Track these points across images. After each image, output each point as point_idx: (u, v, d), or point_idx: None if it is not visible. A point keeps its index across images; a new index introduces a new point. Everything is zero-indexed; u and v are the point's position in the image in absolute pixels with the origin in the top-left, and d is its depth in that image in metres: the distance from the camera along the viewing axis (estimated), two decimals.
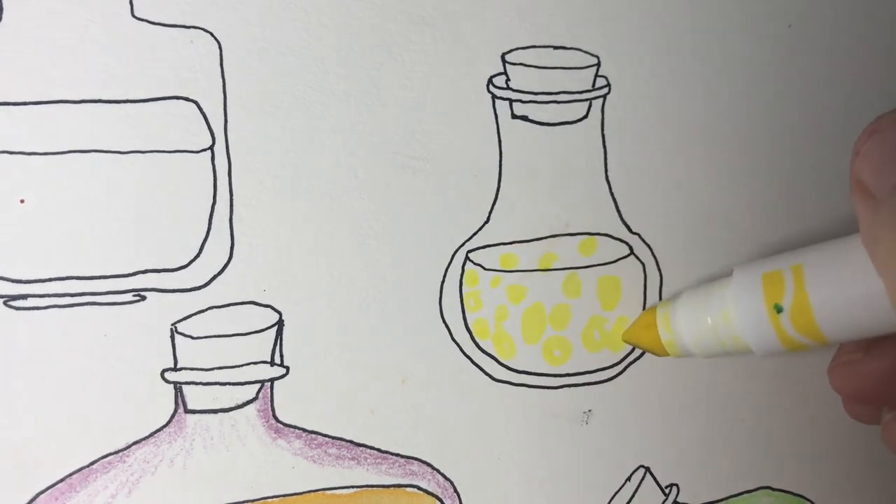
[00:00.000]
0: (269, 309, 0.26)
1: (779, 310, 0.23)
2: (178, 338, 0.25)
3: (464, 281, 0.27)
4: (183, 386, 0.26)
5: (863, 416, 0.27)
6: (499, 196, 0.27)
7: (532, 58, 0.27)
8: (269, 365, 0.26)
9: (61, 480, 0.25)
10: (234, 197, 0.26)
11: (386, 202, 0.27)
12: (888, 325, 0.22)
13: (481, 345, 0.28)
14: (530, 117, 0.28)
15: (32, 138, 0.25)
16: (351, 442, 0.27)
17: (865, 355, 0.25)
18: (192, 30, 0.26)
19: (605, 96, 0.28)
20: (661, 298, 0.28)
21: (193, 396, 0.26)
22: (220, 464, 0.26)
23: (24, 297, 0.25)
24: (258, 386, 0.26)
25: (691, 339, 0.26)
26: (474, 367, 0.27)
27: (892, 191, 0.20)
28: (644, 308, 0.28)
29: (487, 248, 0.27)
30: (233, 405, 0.26)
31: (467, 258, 0.27)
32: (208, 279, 0.26)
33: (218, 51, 0.26)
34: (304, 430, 0.26)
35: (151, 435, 0.25)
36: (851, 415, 0.27)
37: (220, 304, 0.26)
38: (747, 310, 0.24)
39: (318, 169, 0.26)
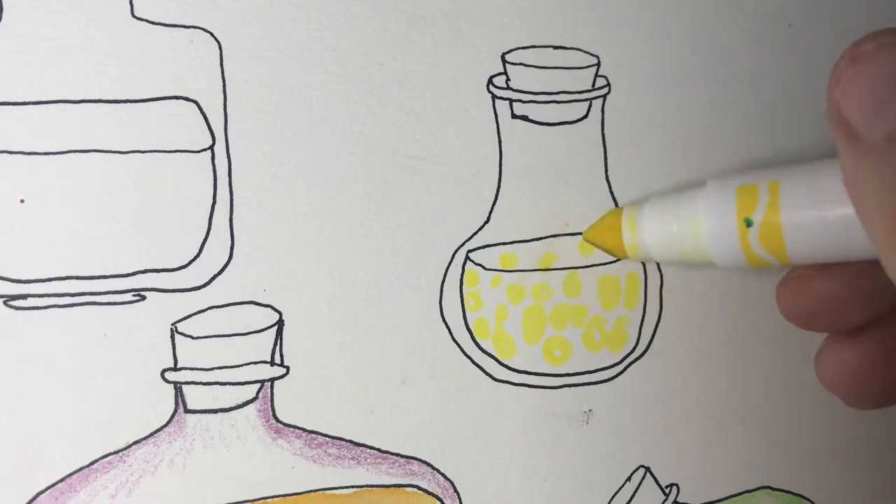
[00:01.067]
0: (269, 309, 0.26)
1: (748, 224, 0.23)
2: (178, 338, 0.25)
3: (464, 281, 0.27)
4: (183, 386, 0.26)
5: (859, 401, 0.26)
6: (499, 196, 0.27)
7: (532, 58, 0.27)
8: (269, 365, 0.26)
9: (61, 480, 0.25)
10: (234, 197, 0.26)
11: (386, 202, 0.27)
12: (854, 254, 0.22)
13: (481, 345, 0.28)
14: (530, 117, 0.28)
15: (32, 138, 0.25)
16: (351, 442, 0.27)
17: (817, 274, 0.24)
18: (192, 30, 0.26)
19: (605, 96, 0.28)
20: (661, 299, 0.28)
21: (193, 396, 0.26)
22: (220, 464, 0.26)
23: (24, 297, 0.25)
24: (258, 386, 0.26)
25: (655, 245, 0.25)
26: (474, 366, 0.27)
27: (884, 138, 0.19)
28: (644, 309, 0.28)
29: (488, 248, 0.27)
30: (233, 405, 0.26)
31: (467, 258, 0.27)
32: (208, 279, 0.26)
33: (218, 51, 0.26)
34: (304, 430, 0.26)
35: (151, 435, 0.25)
36: (848, 402, 0.27)
37: (220, 304, 0.26)
38: (716, 220, 0.24)
39: (318, 169, 0.26)
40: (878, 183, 0.18)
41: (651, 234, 0.25)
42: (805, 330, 0.26)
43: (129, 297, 0.25)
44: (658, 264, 0.28)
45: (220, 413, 0.26)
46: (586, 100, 0.28)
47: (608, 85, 0.28)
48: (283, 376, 0.26)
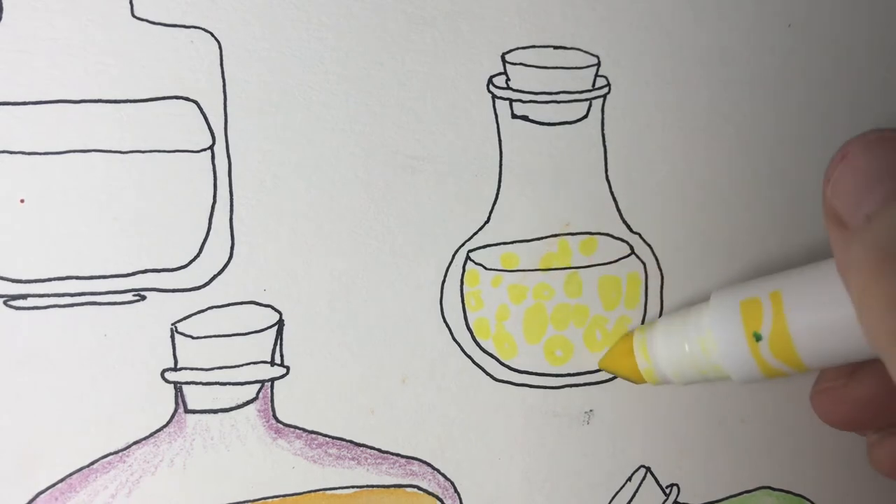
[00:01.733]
0: (269, 309, 0.26)
1: (758, 338, 0.23)
2: (178, 338, 0.25)
3: (465, 280, 0.27)
4: (183, 386, 0.26)
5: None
6: (499, 196, 0.27)
7: (532, 58, 0.27)
8: (269, 365, 0.26)
9: (61, 480, 0.25)
10: (234, 197, 0.26)
11: (386, 202, 0.27)
12: (867, 352, 0.22)
13: (482, 344, 0.28)
14: (530, 117, 0.28)
15: (32, 138, 0.25)
16: (351, 442, 0.27)
17: (847, 382, 0.25)
18: (192, 30, 0.26)
19: (605, 96, 0.28)
20: (662, 299, 0.28)
21: (193, 396, 0.26)
22: (220, 464, 0.26)
23: (24, 296, 0.25)
24: (258, 386, 0.26)
25: (669, 367, 0.26)
26: (475, 366, 0.27)
27: (864, 222, 0.20)
28: (644, 308, 0.28)
29: (488, 248, 0.27)
30: (233, 405, 0.26)
31: (468, 258, 0.27)
32: (208, 279, 0.26)
33: (218, 51, 0.26)
34: (304, 430, 0.26)
35: (151, 435, 0.25)
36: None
37: (220, 304, 0.26)
38: (726, 339, 0.24)
39: (318, 169, 0.26)
40: (862, 259, 0.19)
41: (664, 356, 0.26)
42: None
43: (129, 297, 0.25)
44: (658, 263, 0.28)
45: (220, 413, 0.26)
46: (586, 100, 0.28)
47: (608, 85, 0.28)
48: (283, 376, 0.26)
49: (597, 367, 0.28)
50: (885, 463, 0.26)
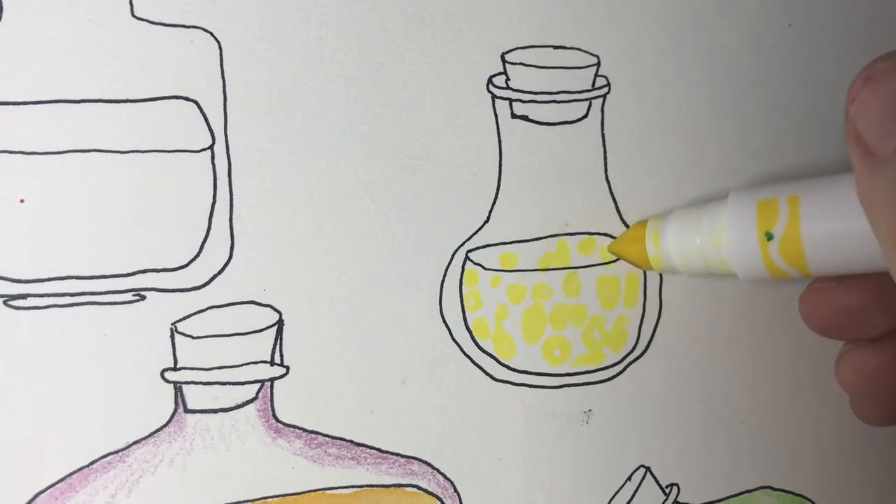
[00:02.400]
0: (269, 309, 0.26)
1: (769, 237, 0.24)
2: (177, 337, 0.25)
3: (464, 281, 0.27)
4: (183, 386, 0.26)
5: (870, 415, 0.27)
6: (499, 196, 0.27)
7: (532, 57, 0.27)
8: (269, 365, 0.26)
9: (61, 480, 0.25)
10: (234, 197, 0.26)
11: (386, 202, 0.27)
12: (872, 266, 0.22)
13: (481, 344, 0.28)
14: (530, 117, 0.28)
15: (32, 138, 0.25)
16: (351, 442, 0.27)
17: (838, 285, 0.25)
18: (192, 30, 0.26)
19: (605, 96, 0.28)
20: (661, 299, 0.28)
21: (193, 396, 0.26)
22: (220, 464, 0.26)
23: (24, 296, 0.25)
24: (258, 386, 0.26)
25: (678, 257, 0.26)
26: (474, 366, 0.27)
27: (894, 154, 0.20)
28: (643, 308, 0.28)
29: (487, 248, 0.27)
30: (233, 405, 0.26)
31: (467, 258, 0.27)
32: (208, 279, 0.26)
33: (218, 51, 0.26)
34: (304, 429, 0.26)
35: (151, 435, 0.25)
36: (860, 415, 0.27)
37: (220, 303, 0.26)
38: (738, 234, 0.24)
39: (318, 169, 0.26)
40: (888, 194, 0.19)
41: (675, 246, 0.26)
42: (826, 338, 0.27)
43: (129, 297, 0.25)
44: None
45: (220, 413, 0.26)
46: (586, 99, 0.28)
47: (608, 85, 0.28)
48: (283, 376, 0.26)
49: (595, 367, 0.28)
50: (849, 375, 0.26)
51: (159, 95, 0.25)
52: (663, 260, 0.26)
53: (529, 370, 0.28)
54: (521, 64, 0.27)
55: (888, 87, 0.20)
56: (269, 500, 0.26)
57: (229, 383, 0.26)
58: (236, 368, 0.26)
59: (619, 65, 0.28)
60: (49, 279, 0.25)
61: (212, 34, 0.26)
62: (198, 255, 0.26)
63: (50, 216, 0.25)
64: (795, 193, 0.23)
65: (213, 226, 0.26)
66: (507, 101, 0.27)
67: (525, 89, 0.27)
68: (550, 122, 0.28)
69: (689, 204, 0.27)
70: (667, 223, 0.26)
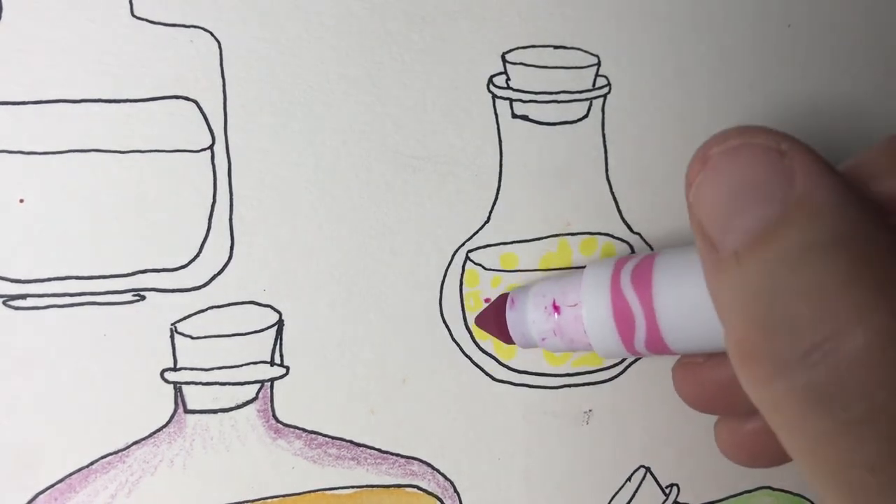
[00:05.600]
0: (269, 309, 0.26)
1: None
2: (177, 338, 0.25)
3: (464, 281, 0.27)
4: (183, 386, 0.26)
5: (756, 465, 0.26)
6: (499, 195, 0.27)
7: (532, 57, 0.27)
8: (269, 365, 0.26)
9: (61, 480, 0.25)
10: (234, 197, 0.26)
11: (386, 202, 0.27)
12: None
13: (482, 345, 0.28)
14: (531, 117, 0.28)
15: (32, 138, 0.25)
16: (351, 442, 0.27)
17: (706, 361, 0.24)
18: (192, 29, 0.26)
19: (605, 96, 0.28)
20: None
21: (193, 396, 0.26)
22: (220, 464, 0.26)
23: (24, 297, 0.25)
24: (258, 386, 0.26)
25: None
26: (474, 367, 0.27)
27: (732, 256, 0.18)
28: None
29: (488, 248, 0.27)
30: (233, 405, 0.26)
31: (468, 258, 0.27)
32: (208, 279, 0.26)
33: (218, 51, 0.26)
34: (304, 430, 0.26)
35: (151, 435, 0.25)
36: (745, 465, 0.26)
37: (220, 304, 0.26)
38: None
39: (318, 169, 0.26)
40: (730, 296, 0.18)
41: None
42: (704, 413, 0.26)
43: (129, 297, 0.25)
44: None
45: (219, 413, 0.26)
46: (587, 99, 0.28)
47: (608, 85, 0.28)
48: (283, 376, 0.26)
49: (595, 368, 0.28)
50: (726, 443, 0.25)
51: (159, 95, 0.25)
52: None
53: (529, 370, 0.28)
54: (521, 64, 0.27)
55: (722, 175, 0.19)
56: (269, 500, 0.26)
57: (229, 383, 0.26)
58: (236, 369, 0.26)
59: (619, 65, 0.28)
60: (49, 279, 0.25)
61: (212, 34, 0.26)
62: (198, 255, 0.26)
63: (50, 216, 0.25)
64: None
65: (213, 226, 0.26)
66: (507, 101, 0.27)
67: (525, 89, 0.27)
68: (551, 122, 0.28)
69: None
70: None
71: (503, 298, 0.26)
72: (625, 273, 0.23)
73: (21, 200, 0.25)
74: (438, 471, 0.27)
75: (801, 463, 0.18)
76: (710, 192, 0.19)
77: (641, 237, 0.28)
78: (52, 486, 0.25)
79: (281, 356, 0.26)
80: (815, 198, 0.18)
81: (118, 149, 0.25)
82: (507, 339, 0.26)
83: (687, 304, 0.22)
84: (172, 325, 0.26)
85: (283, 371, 0.26)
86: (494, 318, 0.26)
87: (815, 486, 0.18)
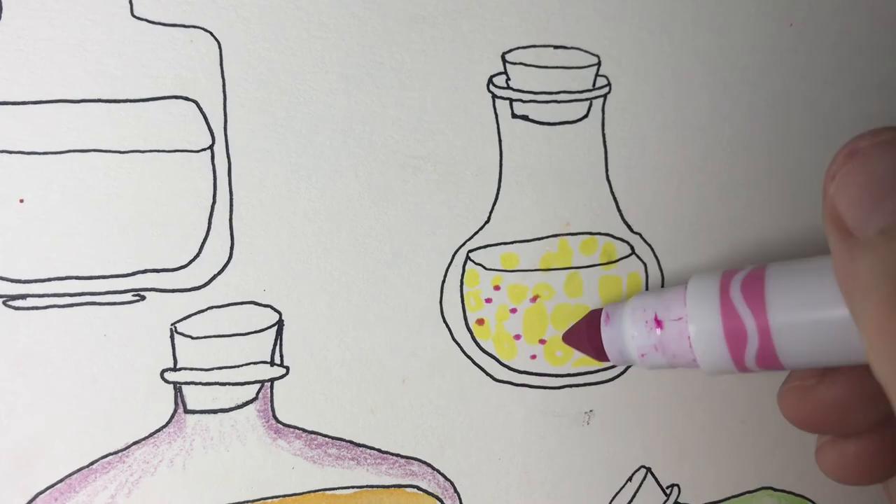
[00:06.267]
0: (269, 309, 0.26)
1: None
2: (177, 338, 0.25)
3: (464, 281, 0.27)
4: (183, 386, 0.26)
5: (859, 483, 0.26)
6: (499, 195, 0.27)
7: (532, 57, 0.27)
8: (269, 365, 0.26)
9: (61, 481, 0.25)
10: (234, 197, 0.26)
11: (386, 202, 0.27)
12: (850, 358, 0.21)
13: (482, 345, 0.27)
14: (531, 117, 0.27)
15: (32, 138, 0.25)
16: (351, 442, 0.27)
17: (819, 382, 0.24)
18: (191, 29, 0.26)
19: (605, 96, 0.28)
20: None
21: (193, 396, 0.26)
22: (219, 464, 0.26)
23: (24, 297, 0.25)
24: (258, 386, 0.26)
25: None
26: (475, 367, 0.27)
27: (878, 234, 0.18)
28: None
29: (488, 248, 0.27)
30: (233, 405, 0.26)
31: (468, 258, 0.27)
32: (208, 279, 0.26)
33: (218, 51, 0.26)
34: (304, 430, 0.26)
35: (151, 435, 0.25)
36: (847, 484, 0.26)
37: (220, 304, 0.26)
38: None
39: (318, 169, 0.26)
40: (870, 278, 0.18)
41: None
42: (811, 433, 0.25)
43: (129, 297, 0.25)
44: (659, 263, 0.28)
45: (219, 413, 0.26)
46: (587, 99, 0.28)
47: (609, 85, 0.28)
48: (283, 376, 0.26)
49: (596, 368, 0.28)
50: (831, 465, 0.25)
51: (159, 95, 0.25)
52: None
53: (530, 371, 0.28)
54: (521, 64, 0.27)
55: (872, 164, 0.19)
56: (269, 500, 0.26)
57: (229, 384, 0.26)
58: (236, 369, 0.26)
59: (619, 65, 0.28)
60: (49, 279, 0.25)
61: (212, 34, 0.26)
62: (198, 255, 0.26)
63: (50, 216, 0.25)
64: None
65: (213, 226, 0.26)
66: (507, 101, 0.27)
67: (525, 89, 0.27)
68: (551, 122, 0.28)
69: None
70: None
71: (597, 314, 0.26)
72: (734, 285, 0.22)
73: (21, 200, 0.25)
74: (438, 471, 0.27)
75: None
76: (856, 179, 0.19)
77: (641, 237, 0.28)
78: (52, 486, 0.25)
79: (281, 356, 0.26)
80: None
81: (118, 149, 0.25)
82: (601, 357, 0.25)
83: (804, 317, 0.21)
84: (172, 325, 0.26)
85: (283, 371, 0.26)
86: (587, 335, 0.26)
87: None
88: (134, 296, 0.25)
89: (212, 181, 0.26)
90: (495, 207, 0.27)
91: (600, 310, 0.26)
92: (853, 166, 0.19)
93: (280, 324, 0.26)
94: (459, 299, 0.27)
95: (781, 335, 0.21)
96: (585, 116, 0.28)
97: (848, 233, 0.19)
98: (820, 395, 0.24)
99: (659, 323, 0.24)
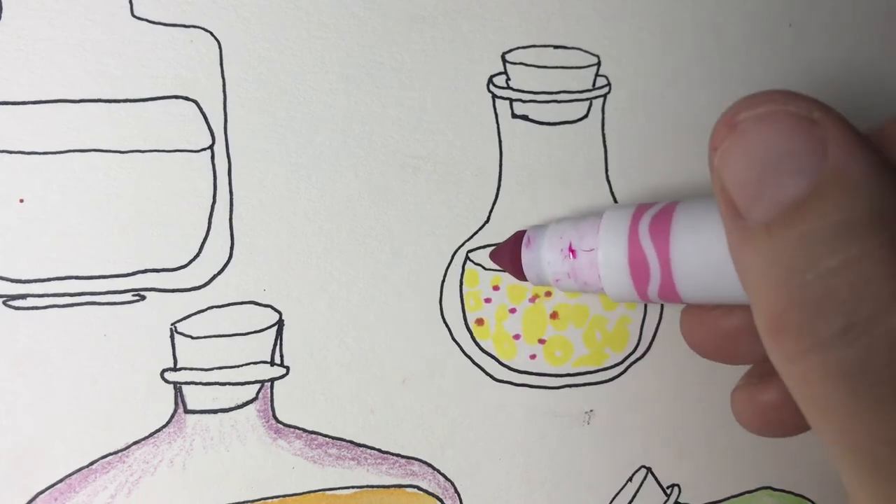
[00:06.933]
0: (269, 309, 0.26)
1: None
2: (177, 338, 0.25)
3: (464, 281, 0.27)
4: (183, 386, 0.26)
5: (769, 434, 0.25)
6: (499, 195, 0.27)
7: (532, 57, 0.27)
8: (269, 365, 0.26)
9: (61, 480, 0.25)
10: (234, 197, 0.26)
11: (386, 202, 0.27)
12: (745, 298, 0.21)
13: (482, 345, 0.27)
14: (531, 117, 0.28)
15: (32, 138, 0.25)
16: (351, 442, 0.27)
17: (714, 308, 0.25)
18: (191, 29, 0.26)
19: (605, 96, 0.28)
20: None
21: (193, 396, 0.26)
22: (220, 464, 0.26)
23: (24, 296, 0.25)
24: (258, 386, 0.26)
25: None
26: (475, 367, 0.27)
27: (762, 226, 0.18)
28: (644, 308, 0.28)
29: (488, 248, 0.27)
30: (233, 405, 0.26)
31: (468, 258, 0.27)
32: (208, 279, 0.26)
33: (218, 51, 0.26)
34: (304, 430, 0.26)
35: (151, 435, 0.25)
36: (758, 434, 0.26)
37: (220, 303, 0.26)
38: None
39: (318, 169, 0.26)
40: (761, 268, 0.18)
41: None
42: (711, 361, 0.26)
43: (129, 297, 0.25)
44: None
45: (219, 413, 0.26)
46: (587, 99, 0.28)
47: (608, 84, 0.28)
48: (283, 376, 0.26)
49: (596, 368, 0.28)
50: (742, 410, 0.25)
51: (159, 95, 0.25)
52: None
53: (530, 370, 0.28)
54: (521, 64, 0.27)
55: (752, 143, 0.18)
56: (269, 500, 0.26)
57: (229, 384, 0.26)
58: (236, 369, 0.26)
59: (619, 65, 0.28)
60: (49, 279, 0.25)
61: (212, 34, 0.26)
62: (198, 255, 0.26)
63: (50, 216, 0.25)
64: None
65: (213, 226, 0.26)
66: (507, 101, 0.27)
67: (525, 89, 0.27)
68: (551, 121, 0.28)
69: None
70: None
71: (520, 235, 0.26)
72: (643, 223, 0.23)
73: (21, 200, 0.25)
74: (439, 471, 0.27)
75: (824, 436, 0.18)
76: (737, 159, 0.19)
77: None
78: (52, 486, 0.25)
79: (281, 356, 0.26)
80: (850, 171, 0.17)
81: (118, 149, 0.25)
82: (521, 276, 0.26)
83: (704, 259, 0.22)
84: (172, 325, 0.26)
85: (283, 371, 0.26)
86: (509, 255, 0.26)
87: (837, 461, 0.18)
88: (134, 296, 0.25)
89: (212, 181, 0.26)
90: (495, 207, 0.27)
91: (524, 231, 0.26)
92: (733, 142, 0.19)
93: (280, 324, 0.26)
94: (459, 299, 0.27)
95: (681, 274, 0.22)
96: (585, 116, 0.28)
97: (737, 211, 0.19)
98: (715, 322, 0.25)
99: (573, 252, 0.25)
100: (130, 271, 0.25)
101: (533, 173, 0.28)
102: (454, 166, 0.27)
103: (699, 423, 0.28)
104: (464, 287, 0.27)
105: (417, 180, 0.27)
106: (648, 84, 0.28)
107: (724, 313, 0.24)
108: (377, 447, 0.27)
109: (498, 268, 0.27)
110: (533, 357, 0.28)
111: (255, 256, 0.26)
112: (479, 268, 0.27)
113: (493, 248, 0.27)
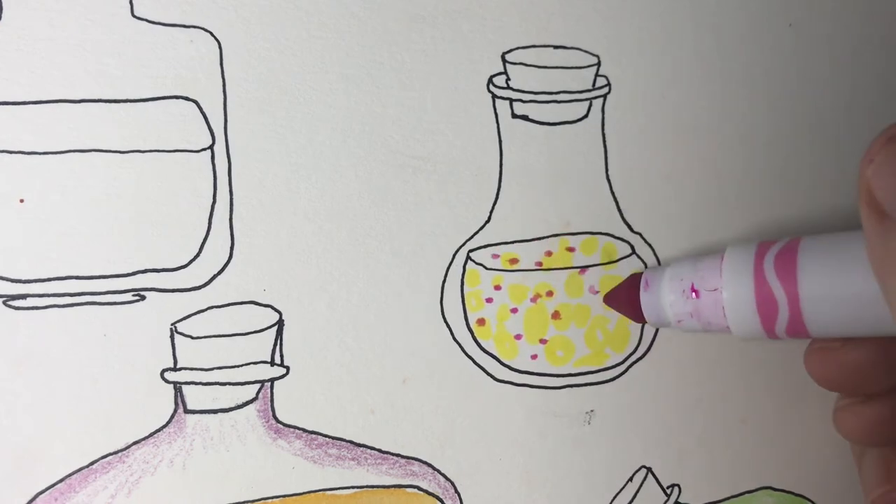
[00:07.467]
0: (269, 309, 0.26)
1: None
2: (177, 338, 0.25)
3: (465, 281, 0.27)
4: (183, 386, 0.26)
5: (873, 445, 0.27)
6: (499, 195, 0.27)
7: (532, 57, 0.27)
8: (269, 365, 0.26)
9: (61, 481, 0.25)
10: (234, 197, 0.26)
11: (386, 202, 0.27)
12: (875, 330, 0.22)
13: (483, 345, 0.27)
14: (531, 117, 0.28)
15: (32, 138, 0.25)
16: (351, 442, 0.27)
17: (843, 345, 0.25)
18: (191, 29, 0.26)
19: (605, 96, 0.28)
20: None
21: (193, 396, 0.26)
22: (220, 464, 0.26)
23: (24, 296, 0.25)
24: (258, 386, 0.26)
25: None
26: (476, 367, 0.27)
27: None
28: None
29: (489, 248, 0.27)
30: (233, 405, 0.26)
31: (468, 258, 0.27)
32: (208, 279, 0.26)
33: (218, 51, 0.26)
34: (304, 430, 0.26)
35: (151, 435, 0.25)
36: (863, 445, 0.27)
37: (220, 303, 0.26)
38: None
39: (318, 169, 0.26)
40: None
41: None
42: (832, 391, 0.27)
43: (129, 297, 0.25)
44: (660, 263, 0.28)
45: (219, 413, 0.26)
46: (587, 99, 0.28)
47: (608, 85, 0.28)
48: (283, 376, 0.26)
49: (597, 368, 0.28)
50: (848, 427, 0.26)
51: (159, 95, 0.25)
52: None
53: (531, 370, 0.28)
54: (521, 64, 0.27)
55: None
56: (269, 500, 0.26)
57: (229, 384, 0.26)
58: (236, 369, 0.26)
59: (619, 65, 0.28)
60: (49, 279, 0.25)
61: (212, 34, 0.26)
62: (198, 255, 0.26)
63: (50, 216, 0.25)
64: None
65: (213, 226, 0.26)
66: (507, 101, 0.27)
67: (525, 89, 0.27)
68: (551, 122, 0.28)
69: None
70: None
71: (636, 279, 0.27)
72: (768, 260, 0.23)
73: (21, 200, 0.25)
74: (439, 471, 0.27)
75: None
76: (892, 164, 0.20)
77: (642, 237, 0.28)
78: (52, 486, 0.25)
79: (281, 356, 0.26)
80: None
81: (118, 149, 0.25)
82: (639, 318, 0.27)
83: (834, 293, 0.22)
84: (172, 325, 0.26)
85: (283, 371, 0.26)
86: (626, 298, 0.27)
87: None
88: (134, 296, 0.25)
89: (212, 181, 0.26)
90: (495, 207, 0.27)
91: (640, 274, 0.27)
92: (891, 151, 0.20)
93: (280, 324, 0.26)
94: (460, 299, 0.27)
95: (811, 307, 0.23)
96: (585, 116, 0.28)
97: (884, 214, 0.20)
98: (843, 358, 0.25)
99: (695, 292, 0.25)
100: (130, 271, 0.25)
101: (533, 173, 0.28)
102: (454, 166, 0.27)
103: (699, 423, 0.28)
104: (465, 287, 0.27)
105: (417, 180, 0.27)
106: (648, 84, 0.28)
107: (850, 347, 0.25)
108: (377, 447, 0.27)
109: (499, 267, 0.27)
110: (534, 357, 0.28)
111: (255, 256, 0.26)
112: (481, 267, 0.27)
113: (606, 293, 0.27)
